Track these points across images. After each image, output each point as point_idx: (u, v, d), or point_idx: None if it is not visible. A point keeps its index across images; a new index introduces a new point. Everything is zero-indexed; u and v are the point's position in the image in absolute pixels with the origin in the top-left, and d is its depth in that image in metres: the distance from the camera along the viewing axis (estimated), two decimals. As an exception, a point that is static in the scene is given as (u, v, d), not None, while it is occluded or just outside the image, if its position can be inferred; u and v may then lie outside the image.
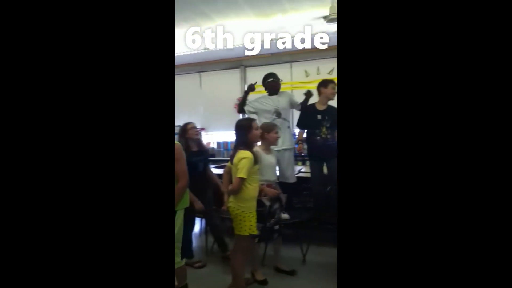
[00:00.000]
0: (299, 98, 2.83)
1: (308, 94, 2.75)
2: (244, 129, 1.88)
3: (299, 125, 2.77)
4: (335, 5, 2.93)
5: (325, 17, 2.94)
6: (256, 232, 1.87)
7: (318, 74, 4.44)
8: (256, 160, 1.85)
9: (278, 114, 2.65)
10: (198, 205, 2.21)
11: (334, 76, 4.48)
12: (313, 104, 2.67)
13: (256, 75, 2.85)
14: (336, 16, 2.86)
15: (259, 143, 2.13)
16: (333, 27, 3.43)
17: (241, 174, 1.77)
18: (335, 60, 3.51)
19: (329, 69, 4.49)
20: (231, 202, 1.87)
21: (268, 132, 2.07)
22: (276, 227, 2.07)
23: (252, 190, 1.84)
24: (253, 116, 2.67)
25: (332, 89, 2.59)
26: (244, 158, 1.78)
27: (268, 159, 2.09)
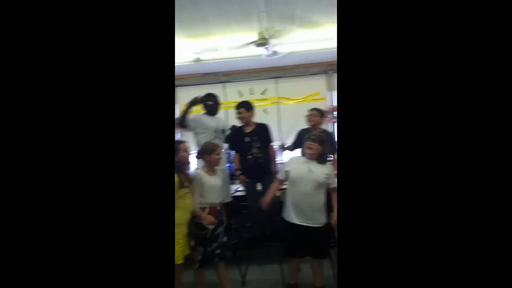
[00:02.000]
0: (233, 118, 2.87)
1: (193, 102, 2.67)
2: None
3: (231, 147, 2.79)
4: (263, 30, 3.11)
5: (254, 41, 3.07)
6: (181, 261, 1.79)
7: (251, 94, 4.57)
8: (182, 183, 1.77)
9: (222, 131, 2.63)
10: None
11: (267, 96, 4.69)
12: (240, 127, 2.72)
13: (189, 95, 2.78)
14: (264, 41, 3.01)
15: (202, 165, 2.07)
16: (263, 50, 3.64)
17: None
18: (269, 81, 3.69)
19: (262, 89, 4.68)
20: None
21: (210, 154, 2.01)
22: (218, 251, 1.97)
23: (178, 217, 1.73)
24: (191, 133, 2.60)
25: (251, 111, 2.67)
26: None
27: (211, 180, 1.99)
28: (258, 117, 2.90)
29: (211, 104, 2.70)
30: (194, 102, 2.56)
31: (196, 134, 2.63)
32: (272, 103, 4.64)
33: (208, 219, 1.92)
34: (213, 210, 1.98)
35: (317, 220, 1.93)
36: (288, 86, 4.61)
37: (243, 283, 2.31)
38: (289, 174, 1.95)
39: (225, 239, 2.28)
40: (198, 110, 2.82)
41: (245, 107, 2.65)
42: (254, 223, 2.60)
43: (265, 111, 4.54)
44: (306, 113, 2.96)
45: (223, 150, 2.63)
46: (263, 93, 4.65)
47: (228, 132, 2.78)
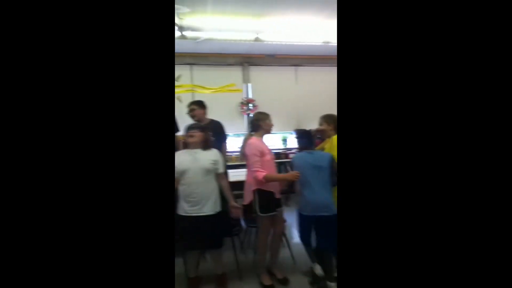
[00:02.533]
0: None
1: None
2: None
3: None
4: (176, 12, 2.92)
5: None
6: None
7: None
8: None
9: None
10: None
11: (181, 83, 4.49)
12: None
13: None
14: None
15: None
16: (177, 34, 3.44)
17: None
18: (183, 67, 3.52)
19: (176, 75, 4.46)
20: None
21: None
22: None
23: None
24: None
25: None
26: None
27: None
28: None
29: None
30: None
31: None
32: (187, 90, 4.47)
33: None
34: None
35: (210, 208, 1.93)
36: (203, 74, 4.50)
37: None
38: (177, 168, 1.91)
39: None
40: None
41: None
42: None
43: (179, 98, 4.34)
44: (223, 103, 2.94)
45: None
46: (177, 79, 4.44)
47: None
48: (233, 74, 4.48)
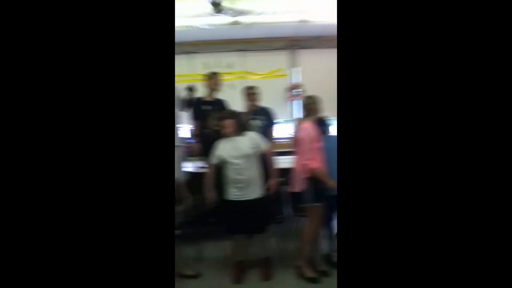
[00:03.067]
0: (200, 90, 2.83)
1: (191, 89, 2.74)
2: None
3: (192, 117, 2.75)
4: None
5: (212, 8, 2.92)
6: None
7: (218, 67, 4.45)
8: None
9: None
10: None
11: (233, 70, 4.58)
12: (199, 98, 2.70)
13: None
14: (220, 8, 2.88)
15: None
16: (227, 20, 3.49)
17: None
18: (235, 53, 3.53)
19: (228, 62, 4.55)
20: None
21: None
22: (178, 232, 1.95)
23: None
24: None
25: (215, 79, 2.66)
26: None
27: None
28: (225, 92, 2.89)
29: None
30: None
31: None
32: (238, 77, 4.55)
33: None
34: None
35: (254, 192, 2.01)
36: (254, 60, 4.51)
37: (199, 259, 2.40)
38: (220, 156, 2.03)
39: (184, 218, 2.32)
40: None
41: (206, 77, 2.72)
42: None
43: (231, 85, 4.46)
44: (270, 89, 2.93)
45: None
46: (228, 66, 4.53)
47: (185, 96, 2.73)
48: (282, 59, 4.40)
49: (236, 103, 4.65)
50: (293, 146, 2.15)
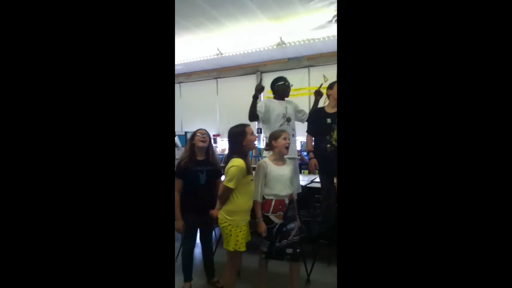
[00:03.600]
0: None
1: (318, 93, 2.58)
2: (237, 135, 1.75)
3: (309, 130, 2.55)
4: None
5: (334, 16, 2.76)
6: (243, 249, 1.72)
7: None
8: (248, 169, 1.71)
9: (288, 119, 2.49)
10: (177, 224, 1.98)
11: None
12: (322, 108, 2.48)
13: (269, 81, 2.71)
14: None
15: (269, 153, 1.93)
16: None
17: (227, 182, 1.65)
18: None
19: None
20: (220, 213, 1.75)
21: (276, 139, 1.84)
22: (289, 250, 1.79)
23: (242, 203, 1.70)
24: (262, 120, 2.54)
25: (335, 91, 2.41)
26: (233, 166, 1.65)
27: (278, 170, 1.81)
28: None
29: (280, 84, 2.57)
30: (259, 89, 2.44)
31: (264, 122, 2.52)
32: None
33: (261, 227, 1.77)
34: (278, 203, 1.81)
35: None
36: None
37: (307, 281, 2.17)
38: None
39: (297, 238, 2.01)
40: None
41: (330, 87, 2.49)
42: (325, 218, 2.39)
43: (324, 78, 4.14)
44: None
45: (292, 136, 2.48)
46: (325, 79, 4.24)
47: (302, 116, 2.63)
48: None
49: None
50: None
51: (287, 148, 1.86)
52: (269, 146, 1.90)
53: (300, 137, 3.53)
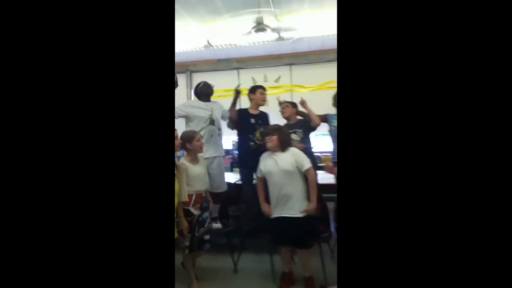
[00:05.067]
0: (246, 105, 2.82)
1: (237, 92, 2.64)
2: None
3: (233, 127, 2.68)
4: (271, 14, 2.99)
5: (259, 25, 2.97)
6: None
7: (265, 81, 4.49)
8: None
9: (212, 121, 2.61)
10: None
11: (281, 84, 4.59)
12: (246, 109, 2.67)
13: (199, 81, 2.77)
14: (265, 26, 2.90)
15: (184, 154, 2.10)
16: (274, 35, 3.52)
17: None
18: (282, 68, 3.58)
19: (275, 76, 4.58)
20: None
21: (190, 141, 2.03)
22: (206, 237, 2.03)
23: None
24: (182, 120, 2.60)
25: (261, 95, 2.59)
26: None
27: (195, 169, 2.05)
28: (271, 105, 2.85)
29: (202, 86, 2.67)
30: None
31: (189, 121, 2.61)
32: (286, 91, 4.54)
33: (184, 224, 1.93)
34: (199, 197, 2.04)
35: (296, 209, 1.92)
36: (302, 73, 4.47)
37: (235, 270, 2.33)
38: (262, 170, 2.04)
39: (219, 225, 2.34)
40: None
41: (251, 90, 2.64)
42: (248, 214, 2.59)
43: (277, 98, 4.45)
44: (318, 102, 2.89)
45: (218, 136, 2.62)
46: (276, 80, 4.56)
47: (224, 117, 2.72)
48: (332, 71, 4.27)
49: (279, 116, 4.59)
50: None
51: (201, 148, 2.10)
52: (184, 148, 2.06)
53: (230, 136, 3.68)
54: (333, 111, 3.09)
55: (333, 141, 2.66)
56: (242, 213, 2.67)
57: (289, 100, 2.87)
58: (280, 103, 2.71)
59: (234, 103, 2.51)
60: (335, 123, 2.77)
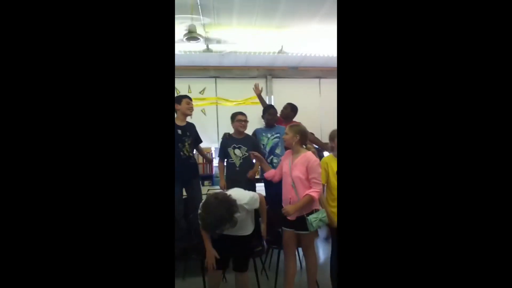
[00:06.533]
0: None
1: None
2: None
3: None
4: (201, 25, 2.93)
5: (189, 34, 2.87)
6: None
7: (189, 92, 4.34)
8: None
9: None
10: None
11: (205, 96, 4.51)
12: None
13: None
14: (195, 36, 2.84)
15: None
16: (200, 46, 3.46)
17: None
18: (208, 80, 3.53)
19: (200, 88, 4.48)
20: None
21: None
22: None
23: None
24: None
25: (187, 104, 2.51)
26: None
27: None
28: (196, 118, 2.73)
29: None
30: None
31: None
32: (211, 103, 4.48)
33: None
34: None
35: (240, 229, 1.81)
36: (227, 87, 4.50)
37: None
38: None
39: None
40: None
41: (176, 101, 2.56)
42: (178, 235, 2.38)
43: (203, 111, 4.37)
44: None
45: None
46: (201, 92, 4.47)
47: None
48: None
49: (209, 129, 4.47)
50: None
51: None
52: None
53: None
54: (259, 125, 3.18)
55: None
56: (178, 233, 2.44)
57: (216, 112, 2.82)
58: (238, 115, 2.64)
59: None
60: (264, 140, 2.84)
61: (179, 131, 2.46)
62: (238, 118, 2.59)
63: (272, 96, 4.51)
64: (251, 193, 1.88)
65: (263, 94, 3.76)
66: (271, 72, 4.52)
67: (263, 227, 1.93)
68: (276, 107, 3.17)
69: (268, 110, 2.92)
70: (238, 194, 1.78)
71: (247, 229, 1.85)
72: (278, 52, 3.75)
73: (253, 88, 2.67)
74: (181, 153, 2.42)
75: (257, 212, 1.95)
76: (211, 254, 1.79)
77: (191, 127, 2.58)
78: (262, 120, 3.15)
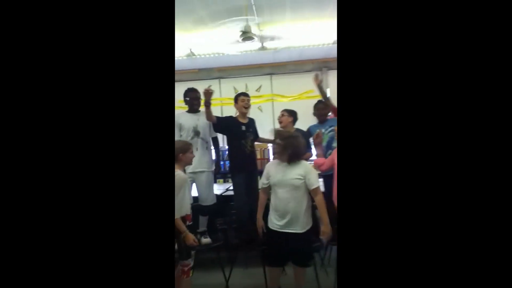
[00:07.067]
0: (228, 114, 2.80)
1: (207, 93, 2.44)
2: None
3: (221, 132, 2.67)
4: (254, 24, 3.00)
5: (244, 35, 2.97)
6: None
7: (246, 91, 4.48)
8: None
9: (196, 132, 2.54)
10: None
11: (261, 93, 4.61)
12: (235, 117, 2.64)
13: (183, 90, 2.69)
14: (251, 35, 2.91)
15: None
16: (256, 45, 3.54)
17: None
18: (263, 77, 3.59)
19: (257, 86, 4.59)
20: None
21: (184, 152, 1.92)
22: (192, 252, 1.91)
23: None
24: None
25: (242, 102, 2.57)
26: None
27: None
28: (253, 115, 2.84)
29: (188, 100, 2.61)
30: (206, 95, 2.34)
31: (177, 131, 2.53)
32: (267, 100, 4.56)
33: (190, 239, 1.83)
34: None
35: (299, 225, 1.83)
36: (282, 83, 4.52)
37: (226, 287, 2.24)
38: (269, 179, 1.91)
39: (208, 240, 2.25)
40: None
41: (287, 112, 2.74)
42: (240, 226, 2.52)
43: (259, 108, 4.47)
44: (299, 111, 2.90)
45: (206, 149, 2.56)
46: (257, 90, 4.57)
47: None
48: (311, 80, 4.37)
49: (266, 126, 4.59)
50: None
51: (191, 160, 2.00)
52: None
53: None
54: (313, 119, 3.14)
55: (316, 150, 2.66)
56: (230, 225, 2.60)
57: (272, 109, 2.87)
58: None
59: (206, 105, 2.36)
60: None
61: (243, 127, 2.54)
62: (241, 99, 2.55)
63: (328, 89, 4.39)
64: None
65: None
66: (326, 64, 4.39)
67: (325, 221, 1.84)
68: (332, 99, 3.09)
69: (316, 105, 2.86)
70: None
71: (305, 226, 1.86)
72: (333, 43, 3.63)
73: (313, 79, 2.63)
74: (245, 149, 2.51)
75: (314, 208, 1.95)
76: (260, 223, 1.94)
77: (252, 123, 2.66)
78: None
